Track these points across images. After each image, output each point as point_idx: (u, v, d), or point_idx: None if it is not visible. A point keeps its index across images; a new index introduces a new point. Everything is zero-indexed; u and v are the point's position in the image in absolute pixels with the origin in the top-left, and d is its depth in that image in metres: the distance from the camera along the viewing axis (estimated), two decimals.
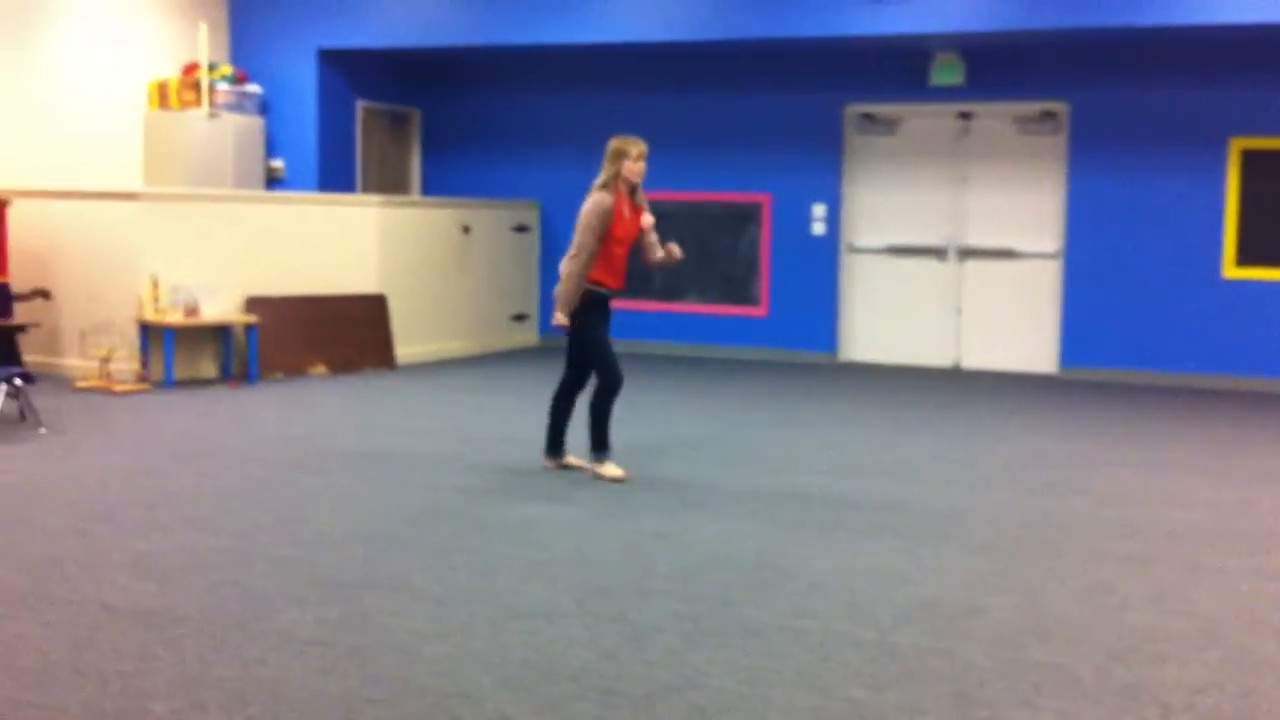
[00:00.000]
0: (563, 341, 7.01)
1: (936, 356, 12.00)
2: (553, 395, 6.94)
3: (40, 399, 8.35)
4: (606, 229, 6.62)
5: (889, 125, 12.06)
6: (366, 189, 12.83)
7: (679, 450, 7.54)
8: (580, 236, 6.59)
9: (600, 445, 6.77)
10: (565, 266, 6.65)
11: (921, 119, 11.96)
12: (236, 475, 6.61)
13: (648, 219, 6.80)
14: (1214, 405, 9.89)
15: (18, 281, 9.78)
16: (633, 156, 6.64)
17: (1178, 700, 3.77)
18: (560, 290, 6.64)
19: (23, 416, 7.92)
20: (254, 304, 10.23)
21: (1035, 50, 11.26)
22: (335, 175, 12.42)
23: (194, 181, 11.36)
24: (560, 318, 6.65)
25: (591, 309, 6.69)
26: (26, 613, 4.37)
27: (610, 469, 6.72)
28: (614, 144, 6.70)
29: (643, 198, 6.84)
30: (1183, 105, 11.01)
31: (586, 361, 6.82)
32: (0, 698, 3.63)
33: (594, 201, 6.62)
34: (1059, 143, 11.52)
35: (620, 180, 6.65)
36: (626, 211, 6.70)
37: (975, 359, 11.89)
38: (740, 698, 3.72)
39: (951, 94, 11.64)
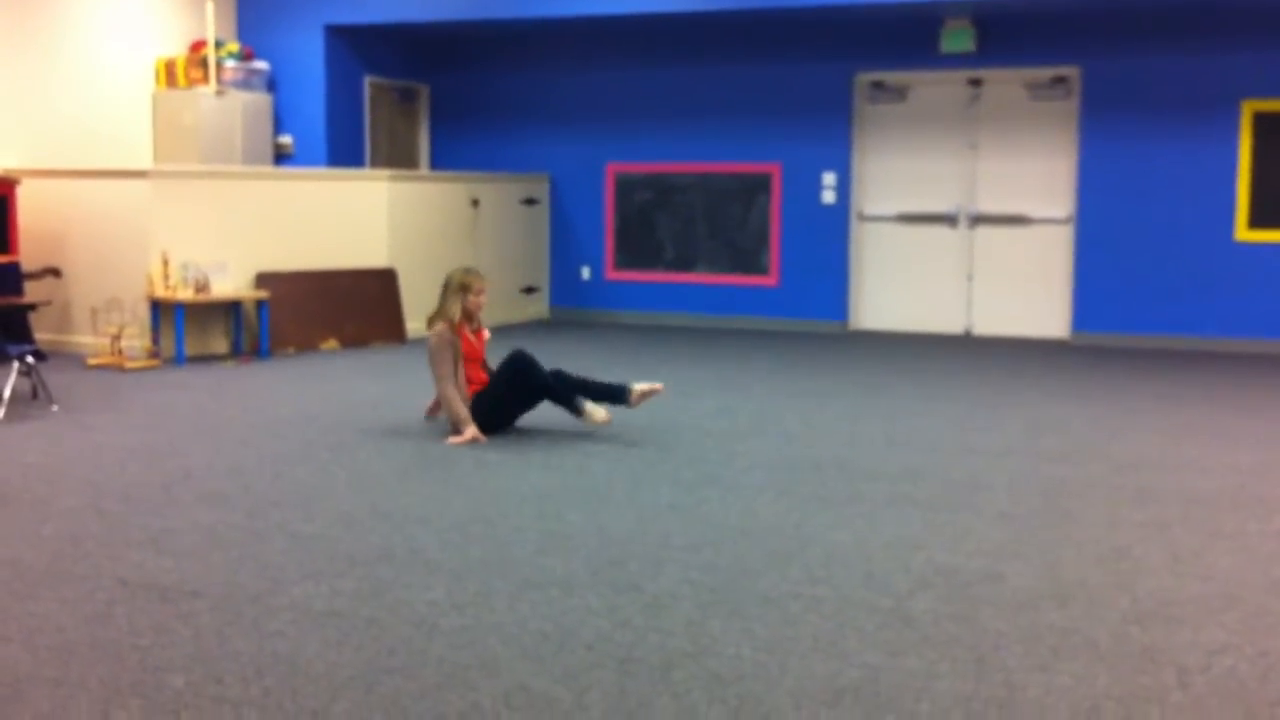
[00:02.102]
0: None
1: (948, 323, 11.97)
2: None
3: (52, 376, 8.38)
4: (457, 354, 6.94)
5: (899, 93, 12.00)
6: (375, 164, 12.81)
7: (693, 420, 7.53)
8: (435, 370, 6.94)
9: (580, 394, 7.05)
10: (440, 393, 6.97)
11: (932, 86, 11.90)
12: (251, 451, 6.61)
13: (486, 334, 7.23)
14: (1227, 368, 9.86)
15: (28, 260, 9.80)
16: (475, 290, 7.01)
17: (1194, 662, 3.77)
18: (449, 414, 6.92)
19: (35, 394, 7.94)
20: (264, 280, 10.23)
21: (1045, 16, 11.19)
22: (344, 151, 12.40)
23: (203, 159, 11.35)
24: (471, 432, 6.82)
25: (479, 407, 6.96)
26: (45, 589, 4.38)
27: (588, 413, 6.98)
28: (458, 278, 7.02)
29: (479, 322, 7.17)
30: (1194, 68, 10.94)
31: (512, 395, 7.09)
32: (20, 673, 3.65)
33: (437, 336, 6.94)
34: (1070, 108, 11.46)
35: (461, 312, 6.99)
36: (469, 334, 7.09)
37: (987, 325, 11.86)
38: (756, 665, 3.72)
39: (962, 61, 11.57)
